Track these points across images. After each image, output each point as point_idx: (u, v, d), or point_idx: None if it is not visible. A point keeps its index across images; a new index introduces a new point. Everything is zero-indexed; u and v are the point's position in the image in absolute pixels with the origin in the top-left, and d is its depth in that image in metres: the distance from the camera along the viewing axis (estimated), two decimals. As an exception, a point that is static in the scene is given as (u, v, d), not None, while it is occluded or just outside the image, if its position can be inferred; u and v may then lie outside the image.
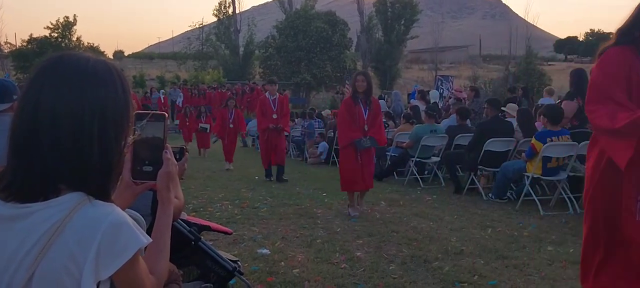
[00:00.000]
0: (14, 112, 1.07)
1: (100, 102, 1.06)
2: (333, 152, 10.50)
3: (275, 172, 8.72)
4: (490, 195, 6.76)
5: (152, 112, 1.23)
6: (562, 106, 6.54)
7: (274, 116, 8.50)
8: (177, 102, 21.76)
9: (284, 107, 8.85)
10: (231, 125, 10.59)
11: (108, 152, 1.07)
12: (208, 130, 13.32)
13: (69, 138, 1.03)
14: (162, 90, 24.40)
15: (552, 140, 5.84)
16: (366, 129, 5.83)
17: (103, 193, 1.08)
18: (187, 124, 14.68)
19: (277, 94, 8.87)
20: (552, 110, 6.20)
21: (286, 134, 9.72)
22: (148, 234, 1.13)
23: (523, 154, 6.49)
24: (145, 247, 1.12)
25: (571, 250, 4.37)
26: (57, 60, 1.09)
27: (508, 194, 6.64)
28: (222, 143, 10.94)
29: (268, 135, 8.56)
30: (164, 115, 1.23)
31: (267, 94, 8.88)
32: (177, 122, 18.69)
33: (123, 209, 1.14)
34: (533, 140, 6.01)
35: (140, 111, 1.23)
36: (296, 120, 14.57)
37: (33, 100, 1.04)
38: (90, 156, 1.04)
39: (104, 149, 1.06)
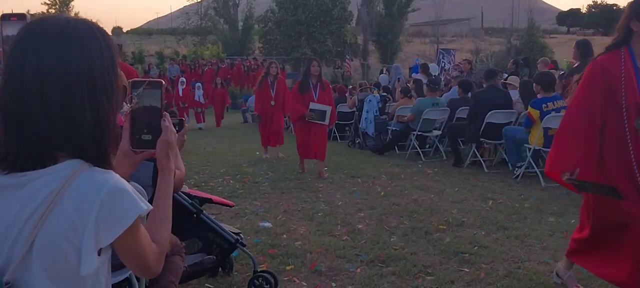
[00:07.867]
0: (0, 82, 1.05)
1: (86, 61, 1.04)
2: (335, 128, 10.36)
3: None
4: (509, 164, 6.68)
5: (149, 79, 1.21)
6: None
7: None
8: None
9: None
10: None
11: (100, 112, 1.05)
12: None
13: (58, 101, 1.01)
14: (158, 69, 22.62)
15: (546, 106, 5.83)
16: None
17: (102, 160, 1.06)
18: (272, 102, 8.10)
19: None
20: (544, 77, 6.22)
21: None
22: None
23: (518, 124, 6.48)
24: (147, 215, 1.11)
25: (572, 221, 4.38)
26: (36, 24, 1.06)
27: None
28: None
29: None
30: (161, 82, 1.21)
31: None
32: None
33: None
34: (529, 109, 6.01)
35: (136, 79, 1.21)
36: None
37: (18, 67, 1.02)
38: (83, 118, 1.02)
39: (96, 110, 1.04)
